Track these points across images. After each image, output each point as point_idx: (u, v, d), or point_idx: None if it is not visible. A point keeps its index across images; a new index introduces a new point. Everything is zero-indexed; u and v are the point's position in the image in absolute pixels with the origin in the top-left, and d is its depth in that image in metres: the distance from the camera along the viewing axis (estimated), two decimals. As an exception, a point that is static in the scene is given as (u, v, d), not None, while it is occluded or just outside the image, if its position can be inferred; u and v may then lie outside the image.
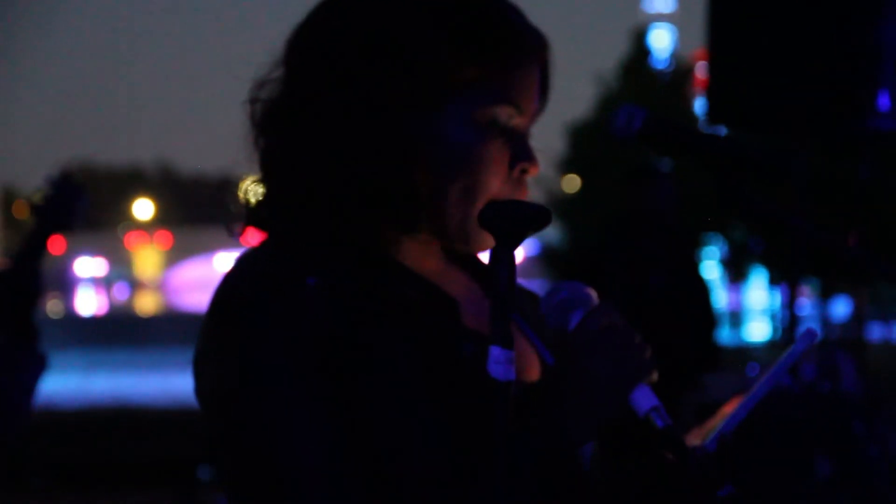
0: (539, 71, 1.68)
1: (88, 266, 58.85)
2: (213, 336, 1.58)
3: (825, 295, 21.64)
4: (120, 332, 29.20)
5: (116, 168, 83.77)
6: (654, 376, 1.55)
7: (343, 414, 1.51)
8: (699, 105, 26.69)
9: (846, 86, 4.32)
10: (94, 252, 58.31)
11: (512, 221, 1.49)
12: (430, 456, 1.52)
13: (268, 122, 1.66)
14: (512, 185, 1.65)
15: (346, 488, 1.50)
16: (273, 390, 1.52)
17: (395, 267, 1.63)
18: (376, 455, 1.52)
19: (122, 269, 63.37)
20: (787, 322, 4.71)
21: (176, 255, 64.12)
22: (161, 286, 61.71)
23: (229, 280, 1.59)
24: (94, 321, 38.16)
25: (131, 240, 65.94)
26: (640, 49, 31.28)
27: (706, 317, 6.32)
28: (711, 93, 4.62)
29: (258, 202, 1.67)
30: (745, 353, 19.86)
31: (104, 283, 60.20)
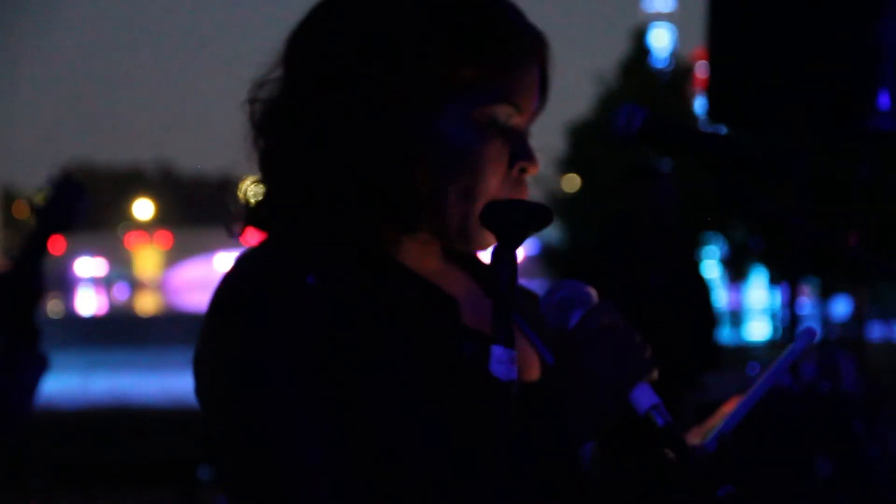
0: (538, 70, 1.68)
1: (88, 266, 58.86)
2: (212, 336, 1.58)
3: (825, 294, 21.64)
4: (120, 332, 29.21)
5: (116, 168, 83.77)
6: (655, 375, 1.55)
7: (343, 413, 1.51)
8: (699, 104, 26.70)
9: (846, 85, 4.32)
10: (94, 252, 58.32)
11: (513, 221, 1.49)
12: (430, 455, 1.52)
13: (267, 122, 1.66)
14: (511, 184, 1.64)
15: (346, 488, 1.50)
16: (273, 390, 1.52)
17: (395, 267, 1.63)
18: (376, 454, 1.51)
19: (122, 269, 63.38)
20: (788, 321, 4.70)
21: (176, 255, 64.12)
22: (161, 286, 61.71)
23: (229, 280, 1.59)
24: (94, 321, 38.17)
25: (131, 240, 65.94)
26: (640, 48, 31.28)
27: (706, 316, 6.32)
28: (711, 92, 4.62)
29: (258, 202, 1.67)
30: (746, 352, 19.86)
31: (104, 283, 60.21)
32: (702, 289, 6.35)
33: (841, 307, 23.24)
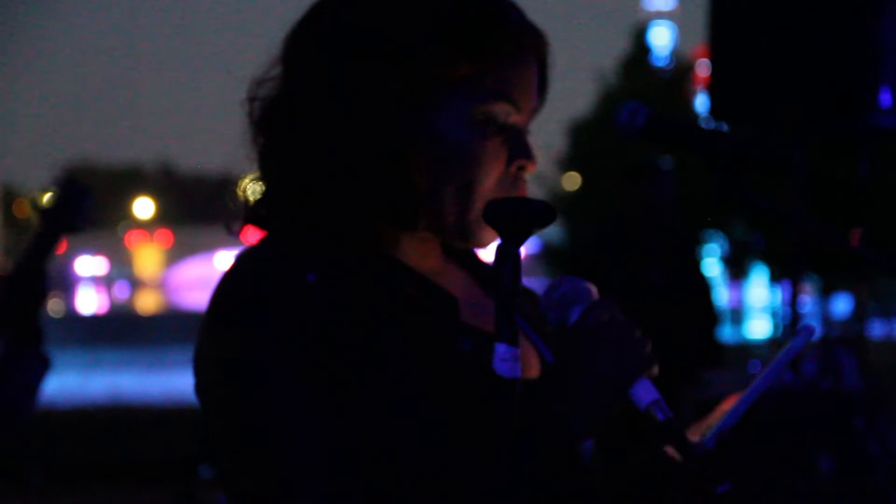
0: (537, 68, 1.67)
1: (89, 265, 58.93)
2: (213, 334, 1.58)
3: (826, 292, 21.64)
4: (120, 330, 29.21)
5: (116, 167, 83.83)
6: (655, 370, 1.55)
7: (343, 411, 1.51)
8: (699, 102, 26.69)
9: (847, 83, 4.32)
10: (94, 251, 58.40)
11: (516, 218, 1.49)
12: (430, 453, 1.52)
13: (266, 120, 1.66)
14: (510, 182, 1.64)
15: (346, 485, 1.50)
16: (273, 388, 1.51)
17: (394, 264, 1.63)
18: (375, 451, 1.51)
19: (122, 267, 63.46)
20: (789, 319, 4.70)
21: (176, 254, 64.19)
22: (161, 285, 61.79)
23: (229, 278, 1.59)
24: (94, 320, 38.20)
25: (132, 238, 66.03)
26: (641, 46, 31.26)
27: (707, 314, 6.32)
28: (713, 89, 4.61)
29: (257, 200, 1.67)
30: (746, 350, 19.88)
31: (105, 282, 60.30)
32: (703, 286, 6.36)
33: (842, 305, 23.24)
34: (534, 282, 1.87)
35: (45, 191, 3.79)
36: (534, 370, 1.69)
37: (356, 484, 1.50)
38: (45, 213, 3.72)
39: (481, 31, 1.61)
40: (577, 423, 1.53)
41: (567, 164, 31.08)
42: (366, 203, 1.61)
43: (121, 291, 58.89)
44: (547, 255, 28.53)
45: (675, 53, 34.28)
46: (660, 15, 60.64)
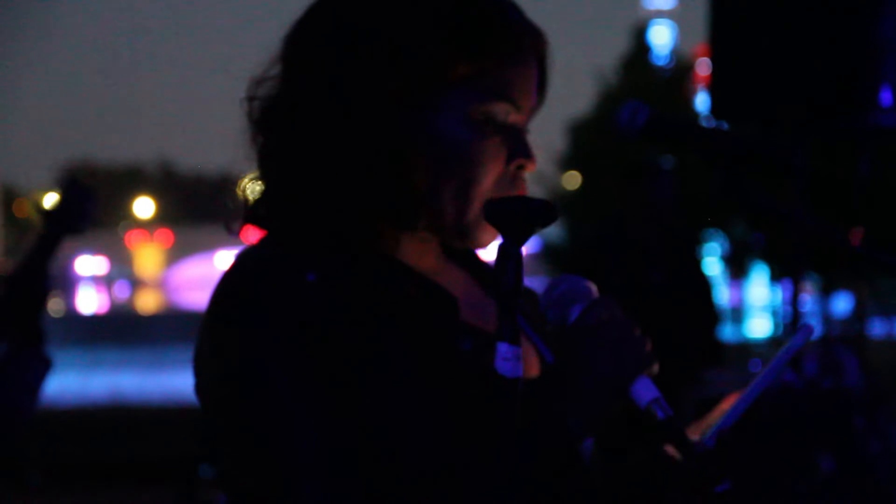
0: (536, 67, 1.67)
1: (89, 264, 58.98)
2: (212, 334, 1.57)
3: (826, 291, 21.64)
4: (121, 330, 29.21)
5: (116, 167, 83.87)
6: (655, 368, 1.55)
7: (343, 411, 1.51)
8: (699, 101, 26.69)
9: (848, 81, 4.32)
10: (94, 250, 58.44)
11: (519, 217, 1.49)
12: (430, 453, 1.52)
13: (265, 119, 1.66)
14: (509, 181, 1.64)
15: (346, 485, 1.50)
16: (272, 388, 1.51)
17: (394, 264, 1.63)
18: (375, 451, 1.51)
19: (122, 267, 63.52)
20: (790, 318, 4.70)
21: (176, 254, 64.24)
22: (162, 284, 61.84)
23: (229, 277, 1.59)
24: (94, 319, 38.20)
25: (132, 238, 66.09)
26: (641, 45, 31.29)
27: (708, 313, 6.32)
28: (714, 88, 4.61)
29: (256, 200, 1.67)
30: (747, 349, 19.89)
31: (105, 282, 60.35)
32: (703, 286, 6.35)
33: (842, 304, 23.23)
34: (534, 281, 1.87)
35: (47, 191, 3.80)
36: (533, 369, 1.68)
37: (356, 484, 1.50)
38: (48, 215, 3.72)
39: (481, 30, 1.61)
40: (577, 423, 1.53)
41: (567, 163, 31.10)
42: (365, 203, 1.60)
43: (121, 291, 58.92)
44: (547, 254, 28.54)
45: (675, 52, 34.31)
46: (660, 14, 60.69)
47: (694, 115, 24.01)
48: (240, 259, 1.61)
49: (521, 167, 1.65)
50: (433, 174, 1.61)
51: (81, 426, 11.57)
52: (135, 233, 66.55)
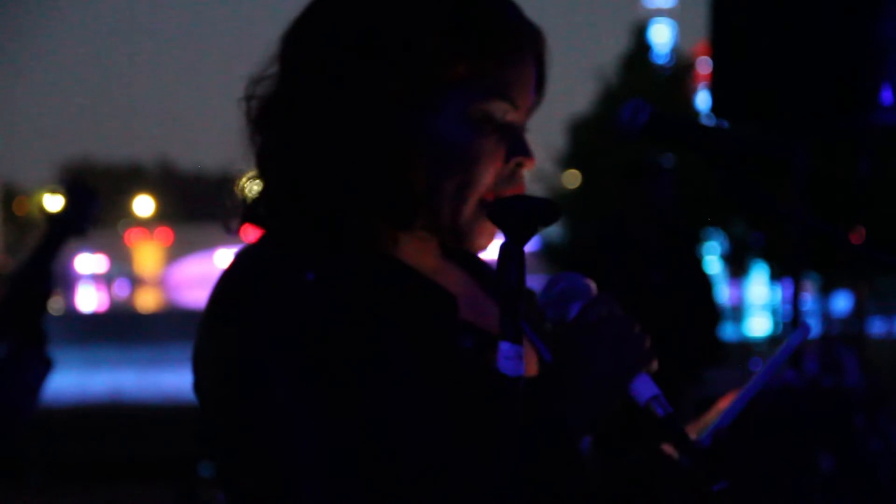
0: (535, 66, 1.67)
1: (89, 263, 58.97)
2: (211, 332, 1.57)
3: (826, 290, 21.65)
4: (120, 328, 29.19)
5: (116, 165, 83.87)
6: (655, 366, 1.55)
7: (343, 410, 1.51)
8: (700, 100, 26.70)
9: (849, 80, 4.32)
10: (94, 249, 58.43)
11: (522, 217, 1.48)
12: (430, 452, 1.52)
13: (263, 118, 1.66)
14: (507, 180, 1.64)
15: (346, 485, 1.50)
16: (272, 387, 1.51)
17: (393, 263, 1.63)
18: (375, 451, 1.51)
19: (122, 265, 63.54)
20: (790, 316, 4.70)
21: (176, 252, 64.26)
22: (161, 283, 61.86)
23: (228, 276, 1.58)
24: (94, 318, 38.17)
25: (132, 236, 66.12)
26: (641, 44, 31.30)
27: (709, 312, 6.31)
28: (715, 87, 4.61)
29: (255, 199, 1.67)
30: (747, 347, 19.88)
31: (105, 280, 60.35)
32: (703, 285, 6.35)
33: (842, 303, 23.24)
34: (534, 280, 1.87)
35: (49, 190, 3.80)
36: (532, 368, 1.68)
37: (356, 484, 1.50)
38: (52, 217, 3.72)
39: (478, 29, 1.61)
40: (576, 421, 1.53)
41: (567, 161, 31.12)
42: (364, 202, 1.60)
43: (121, 289, 58.93)
44: (547, 252, 28.55)
45: (676, 51, 34.29)
46: (660, 12, 60.69)
47: (694, 113, 24.03)
48: (239, 258, 1.60)
49: (519, 165, 1.65)
50: (431, 173, 1.61)
51: (81, 424, 11.57)
52: (134, 231, 66.58)
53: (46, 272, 3.70)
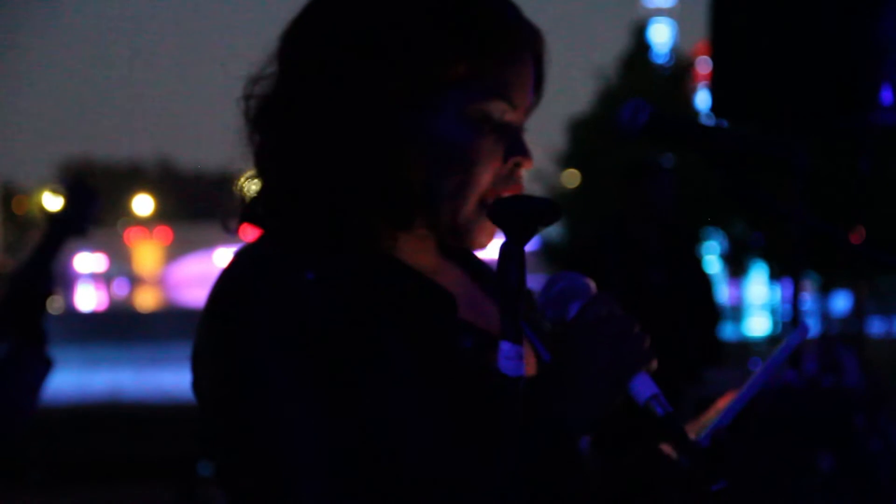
0: (533, 65, 1.67)
1: (88, 262, 58.98)
2: (210, 332, 1.57)
3: (826, 289, 21.65)
4: (120, 327, 29.19)
5: (116, 164, 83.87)
6: (654, 365, 1.55)
7: (342, 410, 1.51)
8: (700, 100, 26.70)
9: (849, 80, 4.32)
10: (93, 248, 58.45)
11: (522, 217, 1.48)
12: (430, 452, 1.51)
13: (262, 118, 1.66)
14: (505, 179, 1.64)
15: (346, 485, 1.50)
16: (272, 387, 1.51)
17: (392, 262, 1.63)
18: (375, 451, 1.51)
19: (121, 264, 63.54)
20: (790, 316, 4.70)
21: (176, 251, 64.27)
22: (161, 282, 61.88)
23: (227, 275, 1.58)
24: (93, 317, 38.18)
25: (131, 235, 66.13)
26: (640, 44, 31.30)
27: (708, 312, 6.31)
28: (714, 86, 4.61)
29: (253, 198, 1.67)
30: (746, 347, 19.90)
31: (104, 279, 60.36)
32: (703, 285, 6.34)
33: (841, 302, 23.25)
34: (534, 280, 1.87)
35: (49, 189, 3.80)
36: (530, 368, 1.68)
37: (356, 484, 1.50)
38: (53, 216, 3.72)
39: (476, 29, 1.61)
40: (576, 420, 1.53)
41: (567, 161, 31.12)
42: (363, 202, 1.60)
43: (120, 288, 58.94)
44: (547, 252, 28.56)
45: (675, 50, 34.29)
46: (659, 12, 60.74)
47: (694, 113, 24.03)
48: (238, 257, 1.60)
49: (517, 165, 1.65)
50: (430, 172, 1.61)
51: (80, 423, 11.57)
52: (134, 230, 66.59)
53: (46, 272, 3.70)
